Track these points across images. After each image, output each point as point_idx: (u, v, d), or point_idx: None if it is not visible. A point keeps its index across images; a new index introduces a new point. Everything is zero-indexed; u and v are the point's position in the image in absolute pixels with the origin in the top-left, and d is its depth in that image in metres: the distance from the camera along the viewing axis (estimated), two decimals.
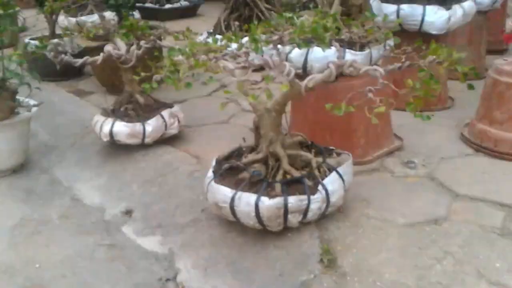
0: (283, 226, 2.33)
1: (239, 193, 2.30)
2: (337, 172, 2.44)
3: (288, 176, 2.38)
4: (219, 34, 5.16)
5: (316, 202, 2.32)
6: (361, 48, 2.93)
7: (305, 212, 2.31)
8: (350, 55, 2.84)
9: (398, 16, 3.63)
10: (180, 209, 2.74)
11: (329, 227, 2.44)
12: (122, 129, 3.20)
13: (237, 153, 2.62)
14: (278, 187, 2.31)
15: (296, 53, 2.91)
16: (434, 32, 3.63)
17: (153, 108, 3.41)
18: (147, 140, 3.26)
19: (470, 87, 2.23)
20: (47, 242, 2.63)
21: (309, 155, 2.47)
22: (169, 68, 2.39)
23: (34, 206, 2.97)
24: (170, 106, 3.46)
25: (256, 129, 2.49)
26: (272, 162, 2.43)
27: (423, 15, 3.59)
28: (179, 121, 3.41)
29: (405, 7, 3.60)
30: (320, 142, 2.74)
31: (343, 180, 2.45)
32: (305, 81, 2.23)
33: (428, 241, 2.33)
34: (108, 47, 3.16)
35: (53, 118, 4.01)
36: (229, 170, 2.47)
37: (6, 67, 3.04)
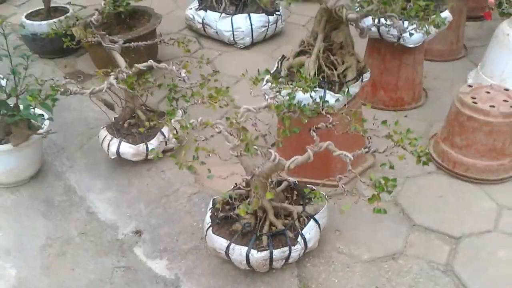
0: (269, 268, 2.88)
1: (233, 245, 2.81)
2: (314, 220, 2.93)
3: (273, 228, 2.87)
4: (209, 6, 5.29)
5: (296, 251, 2.84)
6: (340, 87, 3.25)
7: (287, 259, 2.85)
8: (330, 97, 3.18)
9: (379, 30, 3.88)
10: (183, 235, 3.25)
11: (306, 265, 2.99)
12: (127, 150, 3.60)
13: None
14: (265, 240, 2.81)
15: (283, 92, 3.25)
16: (411, 46, 3.91)
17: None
18: (150, 156, 3.67)
19: (425, 163, 2.65)
20: (72, 265, 3.13)
21: (290, 207, 2.95)
22: (173, 135, 2.81)
23: (54, 221, 3.44)
24: None
25: (247, 184, 2.93)
26: (260, 214, 2.91)
27: None
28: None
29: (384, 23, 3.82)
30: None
31: (319, 225, 2.95)
32: (288, 163, 2.63)
33: (384, 280, 2.89)
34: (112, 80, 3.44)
35: (58, 112, 4.30)
36: (224, 218, 2.95)
37: (19, 106, 3.35)
